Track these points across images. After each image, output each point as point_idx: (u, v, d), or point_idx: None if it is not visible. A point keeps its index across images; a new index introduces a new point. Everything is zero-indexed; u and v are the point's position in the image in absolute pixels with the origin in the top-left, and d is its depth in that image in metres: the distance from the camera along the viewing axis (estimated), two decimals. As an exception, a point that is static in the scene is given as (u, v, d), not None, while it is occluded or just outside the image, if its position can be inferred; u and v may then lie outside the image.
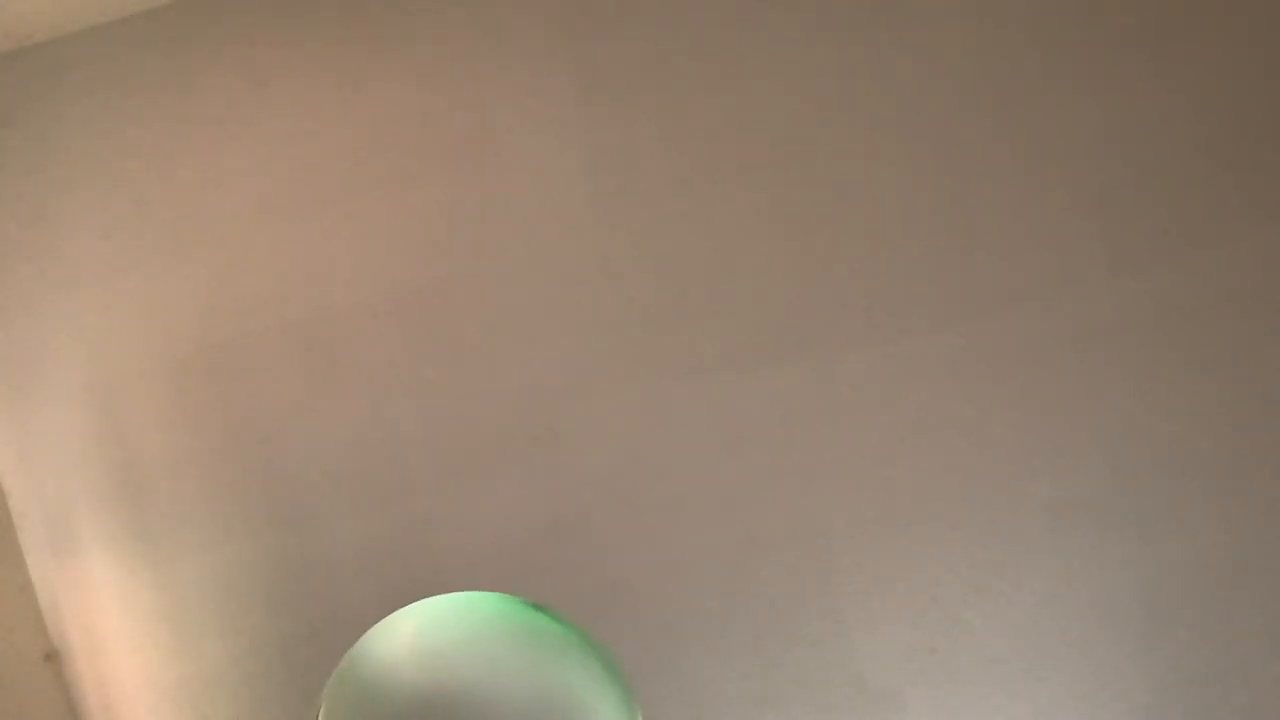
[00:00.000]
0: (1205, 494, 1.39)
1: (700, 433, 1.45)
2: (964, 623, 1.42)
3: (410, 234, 1.49)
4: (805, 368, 1.44)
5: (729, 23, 1.44)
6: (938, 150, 1.42)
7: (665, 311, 1.46)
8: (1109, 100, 1.39)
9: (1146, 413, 1.39)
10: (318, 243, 1.51)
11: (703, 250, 1.45)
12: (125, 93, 1.53)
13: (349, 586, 1.50)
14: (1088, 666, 1.40)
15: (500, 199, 1.48)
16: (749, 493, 1.45)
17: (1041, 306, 1.40)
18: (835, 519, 1.44)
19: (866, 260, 1.43)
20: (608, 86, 1.46)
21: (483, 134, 1.48)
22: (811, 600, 1.44)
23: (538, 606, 1.12)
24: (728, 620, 1.45)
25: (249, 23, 1.51)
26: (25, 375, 1.55)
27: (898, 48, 1.42)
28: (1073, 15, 1.40)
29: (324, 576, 1.50)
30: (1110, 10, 1.39)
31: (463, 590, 1.39)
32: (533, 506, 1.48)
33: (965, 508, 1.42)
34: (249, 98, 1.51)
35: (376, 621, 1.45)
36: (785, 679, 1.45)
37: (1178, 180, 1.38)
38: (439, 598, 1.13)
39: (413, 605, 1.12)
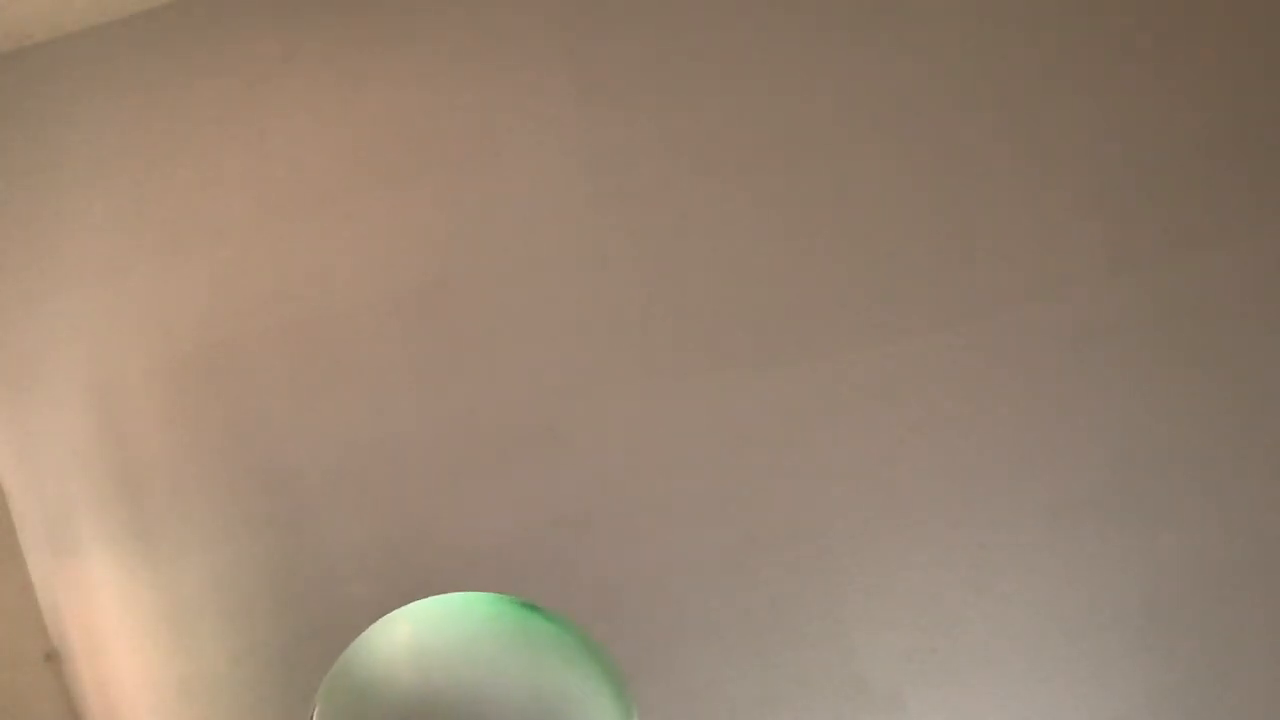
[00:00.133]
0: (1205, 494, 1.39)
1: (700, 433, 1.45)
2: (964, 623, 1.42)
3: (410, 234, 1.49)
4: (805, 368, 1.44)
5: (729, 23, 1.44)
6: (938, 150, 1.41)
7: (665, 311, 1.46)
8: (1109, 100, 1.39)
9: (1146, 412, 1.39)
10: (318, 243, 1.50)
11: (703, 250, 1.45)
12: (125, 93, 1.53)
13: (349, 586, 1.50)
14: (1088, 666, 1.40)
15: (500, 199, 1.48)
16: (749, 493, 1.45)
17: (1041, 306, 1.40)
18: (835, 519, 1.44)
19: (867, 260, 1.43)
20: (608, 86, 1.46)
21: (483, 134, 1.48)
22: (811, 600, 1.44)
23: (534, 607, 1.11)
24: (728, 620, 1.45)
25: (249, 23, 1.51)
26: (25, 375, 1.55)
27: (898, 48, 1.42)
28: (1073, 15, 1.40)
29: (324, 576, 1.50)
30: (1110, 10, 1.39)
31: (460, 590, 1.38)
32: (532, 506, 1.47)
33: (965, 508, 1.42)
34: (249, 98, 1.51)
35: (375, 621, 1.45)
36: (785, 679, 1.45)
37: (1178, 180, 1.38)
38: (434, 598, 1.12)
39: (408, 606, 1.12)
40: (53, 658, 1.52)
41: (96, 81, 1.53)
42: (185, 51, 1.52)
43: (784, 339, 1.44)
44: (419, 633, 1.05)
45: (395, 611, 1.12)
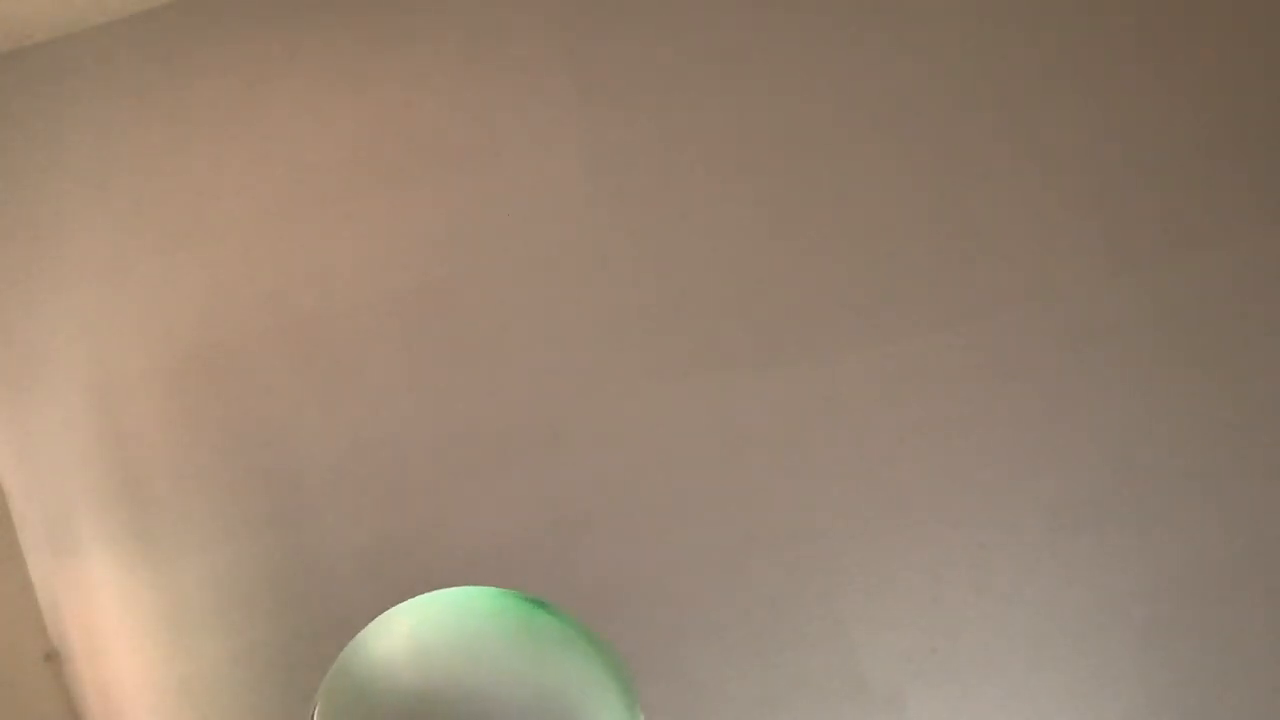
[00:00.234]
0: (1205, 494, 1.39)
1: (700, 433, 1.45)
2: (964, 623, 1.42)
3: (410, 234, 1.49)
4: (805, 368, 1.44)
5: (729, 23, 1.44)
6: (938, 150, 1.41)
7: (665, 311, 1.46)
8: (1109, 100, 1.39)
9: (1146, 413, 1.39)
10: (318, 243, 1.50)
11: (703, 250, 1.45)
12: (125, 93, 1.53)
13: (349, 586, 1.50)
14: (1088, 666, 1.40)
15: (500, 199, 1.48)
16: (749, 493, 1.45)
17: (1041, 306, 1.40)
18: (835, 519, 1.44)
19: (867, 260, 1.43)
20: (608, 86, 1.46)
21: (483, 134, 1.48)
22: (811, 600, 1.44)
23: (537, 601, 1.09)
24: (728, 620, 1.45)
25: (249, 23, 1.51)
26: (25, 375, 1.55)
27: (898, 48, 1.42)
28: (1073, 15, 1.40)
29: (324, 576, 1.50)
30: (1110, 10, 1.39)
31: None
32: (533, 506, 1.47)
33: (965, 508, 1.42)
34: (249, 98, 1.51)
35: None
36: (785, 679, 1.44)
37: (1178, 180, 1.38)
38: (435, 593, 1.10)
39: (409, 602, 1.10)
40: (53, 658, 1.52)
41: (96, 81, 1.53)
42: (185, 51, 1.52)
43: (784, 339, 1.44)
44: (420, 629, 1.03)
45: (396, 607, 1.10)
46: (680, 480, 1.45)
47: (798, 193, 1.44)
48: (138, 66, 1.53)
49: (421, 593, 1.45)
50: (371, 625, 1.09)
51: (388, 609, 1.43)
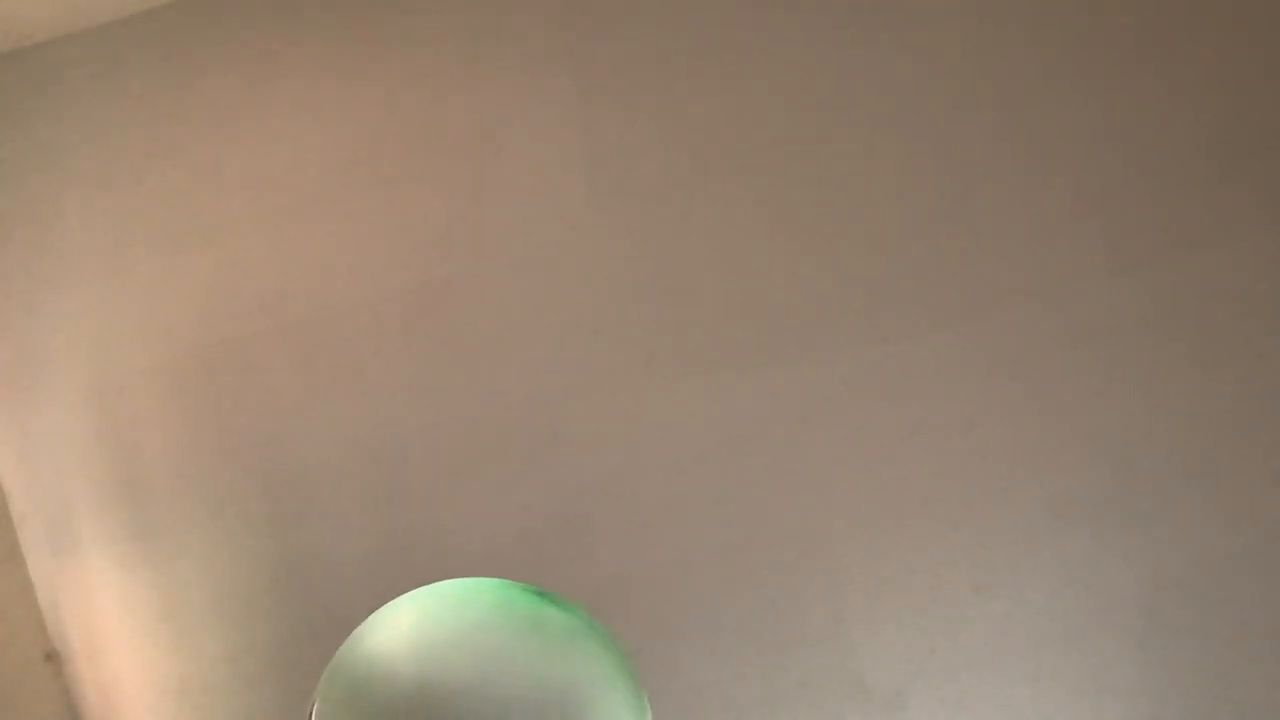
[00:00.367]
0: (1205, 494, 1.39)
1: (700, 432, 1.45)
2: (964, 623, 1.42)
3: (410, 234, 1.49)
4: (805, 368, 1.44)
5: (729, 23, 1.44)
6: (938, 150, 1.42)
7: (665, 311, 1.46)
8: (1109, 100, 1.39)
9: (1146, 413, 1.39)
10: (318, 242, 1.51)
11: (703, 250, 1.45)
12: (125, 92, 1.53)
13: (349, 586, 1.50)
14: (1087, 666, 1.40)
15: (500, 199, 1.48)
16: (749, 493, 1.45)
17: (1041, 306, 1.40)
18: (835, 519, 1.44)
19: (866, 260, 1.43)
20: (608, 86, 1.46)
21: (483, 134, 1.48)
22: (811, 600, 1.44)
23: (542, 593, 1.07)
24: (728, 620, 1.45)
25: (249, 23, 1.51)
26: (25, 375, 1.55)
27: (898, 48, 1.42)
28: (1073, 15, 1.40)
29: (324, 576, 1.50)
30: (1110, 10, 1.39)
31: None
32: (533, 506, 1.48)
33: (965, 508, 1.42)
34: (249, 98, 1.51)
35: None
36: (785, 679, 1.45)
37: (1178, 180, 1.38)
38: (438, 585, 1.08)
39: (411, 593, 1.08)
40: (53, 658, 1.52)
41: (96, 81, 1.53)
42: (185, 51, 1.52)
43: (784, 339, 1.44)
44: (421, 621, 1.00)
45: (398, 599, 1.08)
46: (680, 480, 1.45)
47: (797, 192, 1.44)
48: (138, 66, 1.53)
49: (421, 592, 1.44)
50: (373, 616, 1.07)
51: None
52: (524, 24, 1.47)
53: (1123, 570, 1.40)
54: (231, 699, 1.52)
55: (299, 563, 1.50)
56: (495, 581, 1.08)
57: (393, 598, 1.48)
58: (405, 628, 1.01)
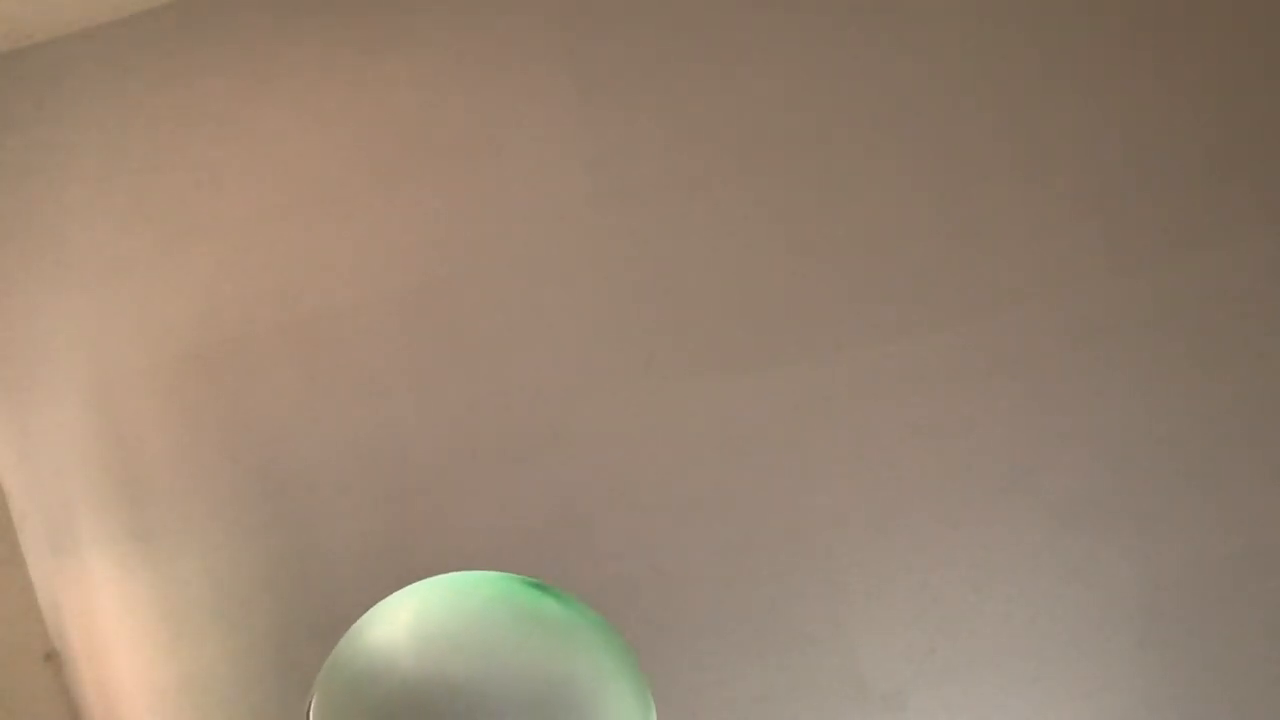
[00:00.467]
0: (1205, 494, 1.39)
1: (700, 433, 1.45)
2: (964, 623, 1.42)
3: (410, 234, 1.49)
4: (805, 368, 1.44)
5: (729, 23, 1.44)
6: (938, 150, 1.41)
7: (666, 311, 1.46)
8: (1109, 100, 1.39)
9: (1146, 412, 1.39)
10: (318, 242, 1.51)
11: (703, 250, 1.45)
12: (125, 92, 1.53)
13: (349, 586, 1.50)
14: (1088, 666, 1.40)
15: (500, 199, 1.48)
16: (749, 493, 1.45)
17: (1041, 306, 1.40)
18: (835, 519, 1.44)
19: (867, 260, 1.43)
20: (608, 86, 1.46)
21: (483, 134, 1.48)
22: (811, 600, 1.44)
23: (542, 586, 1.05)
24: (727, 620, 1.45)
25: (249, 23, 1.51)
26: (25, 375, 1.55)
27: (898, 48, 1.42)
28: (1073, 15, 1.40)
29: (324, 576, 1.50)
30: (1110, 10, 1.39)
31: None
32: (532, 505, 1.47)
33: (965, 508, 1.42)
34: (249, 97, 1.51)
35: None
36: (785, 679, 1.45)
37: (1178, 180, 1.38)
38: (439, 578, 1.06)
39: (411, 587, 1.06)
40: (53, 658, 1.52)
41: (96, 81, 1.53)
42: (185, 51, 1.52)
43: (784, 339, 1.44)
44: (421, 614, 0.98)
45: (397, 593, 1.06)
46: (680, 480, 1.45)
47: (797, 192, 1.44)
48: (138, 66, 1.53)
49: (421, 593, 1.43)
50: (371, 611, 1.05)
51: (388, 609, 1.42)
52: (524, 24, 1.47)
53: (1123, 570, 1.40)
54: (231, 699, 1.52)
55: (299, 562, 1.50)
56: (494, 574, 1.06)
57: (393, 598, 1.48)
58: (405, 621, 0.99)
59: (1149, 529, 1.39)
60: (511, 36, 1.47)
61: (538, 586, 1.04)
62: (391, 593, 1.48)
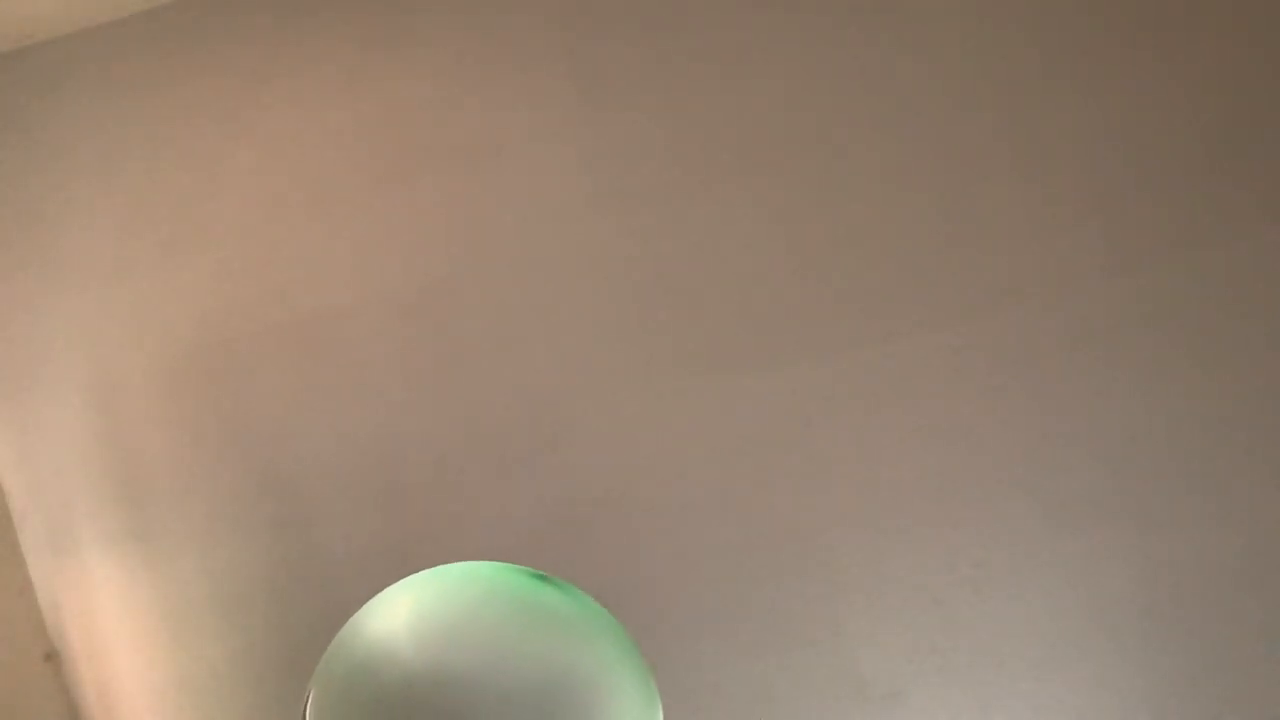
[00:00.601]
0: (1205, 494, 1.39)
1: (701, 433, 1.45)
2: (964, 623, 1.42)
3: (411, 233, 1.49)
4: (805, 368, 1.44)
5: (729, 23, 1.44)
6: (938, 150, 1.41)
7: (665, 311, 1.46)
8: (1109, 100, 1.39)
9: (1146, 412, 1.39)
10: (318, 242, 1.50)
11: (703, 250, 1.45)
12: (125, 93, 1.53)
13: (349, 586, 1.50)
14: (1087, 666, 1.40)
15: (500, 199, 1.48)
16: (749, 493, 1.45)
17: (1041, 306, 1.40)
18: (835, 519, 1.44)
19: (866, 260, 1.43)
20: (608, 86, 1.46)
21: (483, 134, 1.48)
22: (811, 600, 1.44)
23: (546, 577, 1.03)
24: (728, 620, 1.45)
25: (249, 22, 1.51)
26: (25, 375, 1.55)
27: (898, 48, 1.42)
28: (1073, 15, 1.40)
29: (324, 576, 1.50)
30: (1110, 10, 1.39)
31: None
32: (533, 506, 1.47)
33: (966, 508, 1.42)
34: (249, 97, 1.51)
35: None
36: (785, 679, 1.44)
37: (1178, 180, 1.38)
38: (437, 569, 1.04)
39: (410, 578, 1.04)
40: (53, 658, 1.52)
41: (97, 81, 1.53)
42: (185, 51, 1.52)
43: (784, 339, 1.44)
44: (420, 604, 0.97)
45: (396, 584, 1.05)
46: (680, 480, 1.45)
47: (798, 192, 1.43)
48: (138, 66, 1.53)
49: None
50: (370, 603, 1.03)
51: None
52: (524, 24, 1.47)
53: (1122, 570, 1.40)
54: (231, 699, 1.52)
55: (299, 563, 1.50)
56: (495, 565, 1.05)
57: (393, 598, 1.48)
58: (404, 611, 0.97)
59: (1149, 529, 1.39)
60: (511, 36, 1.47)
61: (538, 577, 1.03)
62: (391, 593, 1.48)
